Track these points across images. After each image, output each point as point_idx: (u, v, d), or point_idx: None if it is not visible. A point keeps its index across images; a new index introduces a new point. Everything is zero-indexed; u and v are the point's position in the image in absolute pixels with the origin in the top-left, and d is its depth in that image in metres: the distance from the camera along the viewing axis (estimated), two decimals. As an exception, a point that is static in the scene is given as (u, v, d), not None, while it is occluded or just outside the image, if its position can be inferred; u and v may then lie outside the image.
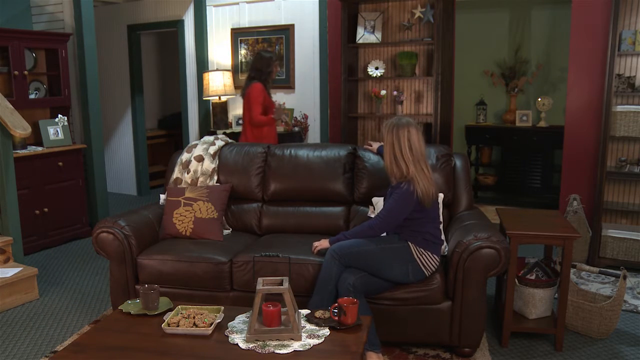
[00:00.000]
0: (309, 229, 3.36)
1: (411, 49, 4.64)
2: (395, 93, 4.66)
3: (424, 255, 2.68)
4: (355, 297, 2.47)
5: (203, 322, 2.21)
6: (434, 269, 2.73)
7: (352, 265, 2.65)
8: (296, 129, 5.26)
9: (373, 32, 4.64)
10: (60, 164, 4.80)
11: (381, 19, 4.66)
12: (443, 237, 2.86)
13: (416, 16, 4.53)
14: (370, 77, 4.70)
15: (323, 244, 2.87)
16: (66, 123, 4.95)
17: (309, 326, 2.25)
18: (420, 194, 2.63)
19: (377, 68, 4.71)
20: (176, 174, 3.62)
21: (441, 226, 2.90)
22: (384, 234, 2.78)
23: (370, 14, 4.66)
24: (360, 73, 4.86)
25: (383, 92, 4.66)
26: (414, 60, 4.59)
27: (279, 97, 5.49)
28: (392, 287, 2.71)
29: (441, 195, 3.14)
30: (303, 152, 3.48)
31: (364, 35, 4.65)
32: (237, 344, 2.11)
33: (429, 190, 2.65)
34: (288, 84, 5.42)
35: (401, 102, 4.66)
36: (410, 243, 2.69)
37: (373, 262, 2.65)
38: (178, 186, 3.54)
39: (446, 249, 2.90)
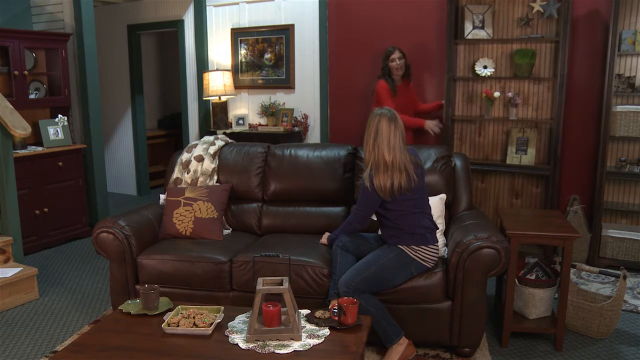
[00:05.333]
0: (309, 229, 3.36)
1: (524, 46, 4.23)
2: (510, 94, 4.26)
3: (419, 252, 2.68)
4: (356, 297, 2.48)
5: (203, 322, 2.22)
6: (435, 259, 2.72)
7: (367, 290, 2.62)
8: (296, 129, 5.26)
9: (483, 28, 4.20)
10: (60, 164, 4.80)
11: (490, 12, 4.24)
12: (429, 222, 2.75)
13: (535, 10, 4.17)
14: (478, 76, 4.31)
15: (324, 240, 3.05)
16: (66, 123, 4.95)
17: (309, 326, 2.25)
18: (376, 186, 2.61)
19: (485, 67, 4.31)
20: (176, 174, 3.63)
21: (430, 212, 2.79)
22: (381, 247, 2.77)
23: (478, 7, 4.22)
24: (461, 72, 4.44)
25: (497, 94, 4.21)
26: (533, 60, 4.19)
27: (279, 97, 5.49)
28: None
29: (443, 197, 3.15)
30: (303, 152, 3.48)
31: (472, 31, 4.21)
32: (237, 344, 2.11)
33: (385, 183, 2.59)
34: (288, 84, 5.41)
35: (516, 105, 4.28)
36: (400, 247, 2.68)
37: (380, 281, 2.64)
38: (178, 186, 3.54)
39: (445, 251, 2.90)
